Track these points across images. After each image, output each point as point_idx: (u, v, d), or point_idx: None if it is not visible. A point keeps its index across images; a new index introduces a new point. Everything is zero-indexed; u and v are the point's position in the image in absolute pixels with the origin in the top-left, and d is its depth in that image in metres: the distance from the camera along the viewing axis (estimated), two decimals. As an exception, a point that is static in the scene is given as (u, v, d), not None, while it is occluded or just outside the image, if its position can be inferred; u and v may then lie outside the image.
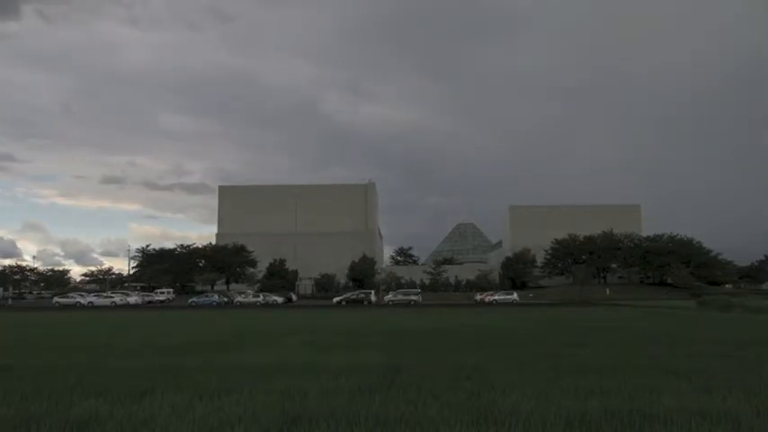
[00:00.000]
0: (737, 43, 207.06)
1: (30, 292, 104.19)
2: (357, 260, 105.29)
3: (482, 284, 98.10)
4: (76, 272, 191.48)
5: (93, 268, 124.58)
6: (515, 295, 76.28)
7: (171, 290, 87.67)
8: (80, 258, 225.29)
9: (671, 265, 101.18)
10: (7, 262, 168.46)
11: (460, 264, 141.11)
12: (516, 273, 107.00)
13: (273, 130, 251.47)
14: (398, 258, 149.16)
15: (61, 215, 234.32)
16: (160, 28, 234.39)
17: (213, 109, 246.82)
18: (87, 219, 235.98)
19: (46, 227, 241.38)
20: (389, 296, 74.21)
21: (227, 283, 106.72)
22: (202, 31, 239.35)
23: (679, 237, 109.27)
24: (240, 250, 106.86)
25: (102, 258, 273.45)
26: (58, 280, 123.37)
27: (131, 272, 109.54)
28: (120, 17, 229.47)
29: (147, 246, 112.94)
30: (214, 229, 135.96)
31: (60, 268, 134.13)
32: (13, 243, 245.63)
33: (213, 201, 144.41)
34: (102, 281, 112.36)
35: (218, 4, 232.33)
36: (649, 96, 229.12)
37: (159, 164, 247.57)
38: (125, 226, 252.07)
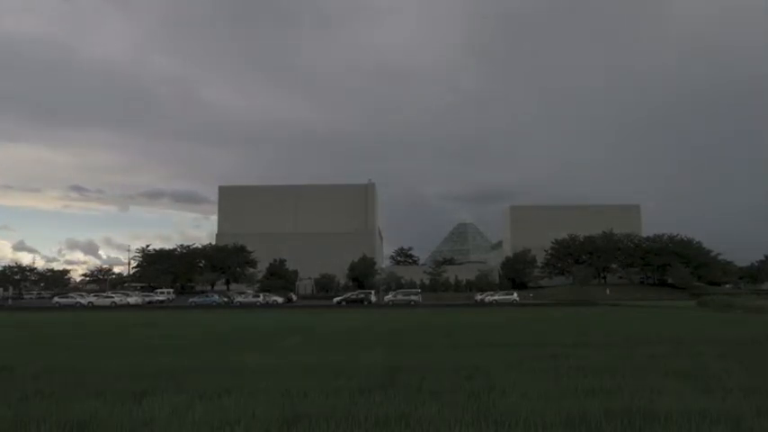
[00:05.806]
0: (738, 43, 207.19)
1: (29, 293, 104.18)
2: (357, 260, 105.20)
3: (482, 285, 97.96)
4: (76, 272, 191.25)
5: (90, 265, 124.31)
6: (515, 295, 76.16)
7: (171, 290, 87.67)
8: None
9: (671, 266, 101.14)
10: (12, 259, 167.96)
11: (460, 264, 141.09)
12: (516, 273, 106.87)
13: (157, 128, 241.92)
14: (398, 258, 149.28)
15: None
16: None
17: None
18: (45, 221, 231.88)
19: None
20: (389, 296, 74.12)
21: (227, 283, 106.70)
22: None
23: (679, 237, 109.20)
24: (240, 250, 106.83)
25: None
26: (57, 280, 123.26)
27: (131, 272, 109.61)
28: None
29: (147, 246, 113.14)
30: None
31: (60, 268, 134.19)
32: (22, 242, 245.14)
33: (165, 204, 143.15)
34: (103, 281, 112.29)
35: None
36: (650, 96, 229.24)
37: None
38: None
